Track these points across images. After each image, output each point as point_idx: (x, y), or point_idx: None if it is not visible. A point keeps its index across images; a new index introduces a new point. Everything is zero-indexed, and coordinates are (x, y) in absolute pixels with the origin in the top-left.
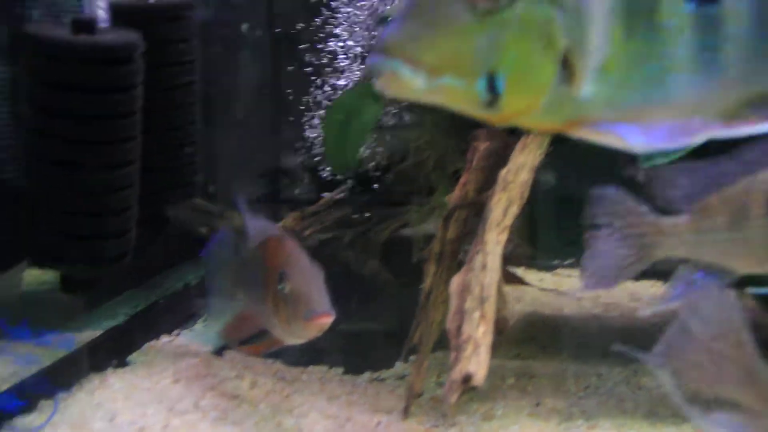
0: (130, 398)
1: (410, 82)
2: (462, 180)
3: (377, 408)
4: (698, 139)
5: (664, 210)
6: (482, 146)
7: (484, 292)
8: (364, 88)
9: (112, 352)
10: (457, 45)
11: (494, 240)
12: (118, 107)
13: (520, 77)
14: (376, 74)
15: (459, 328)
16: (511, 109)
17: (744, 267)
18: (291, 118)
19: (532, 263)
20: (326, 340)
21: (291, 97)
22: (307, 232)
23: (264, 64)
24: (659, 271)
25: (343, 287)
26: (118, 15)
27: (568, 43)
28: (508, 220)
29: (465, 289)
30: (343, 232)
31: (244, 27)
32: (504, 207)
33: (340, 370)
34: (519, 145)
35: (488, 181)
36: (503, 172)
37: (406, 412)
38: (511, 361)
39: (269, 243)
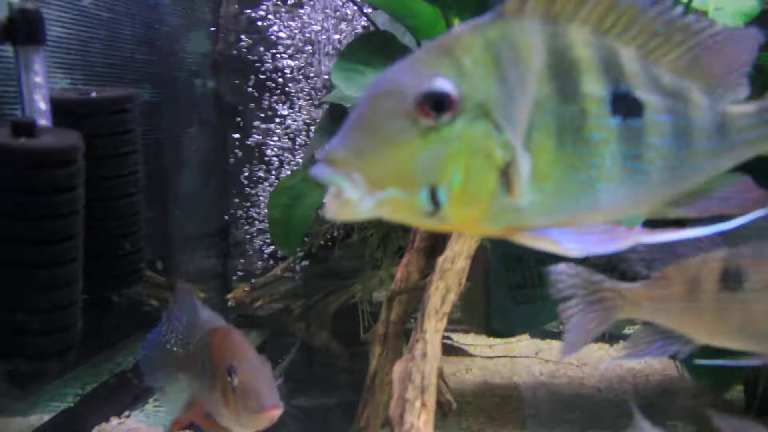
0: None
1: (353, 201)
2: (404, 261)
3: None
4: (624, 245)
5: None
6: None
7: (424, 380)
8: (305, 172)
9: None
10: (399, 159)
11: (433, 328)
12: (60, 208)
13: (463, 190)
14: (320, 184)
15: (401, 416)
16: (455, 220)
17: (696, 337)
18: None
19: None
20: (282, 419)
21: (238, 174)
22: (257, 304)
23: (211, 142)
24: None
25: (295, 359)
26: (59, 110)
27: (506, 156)
28: (446, 308)
29: (406, 378)
30: (293, 303)
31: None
32: (442, 295)
33: None
34: (455, 234)
35: (429, 263)
36: (440, 260)
37: None
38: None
39: (216, 335)
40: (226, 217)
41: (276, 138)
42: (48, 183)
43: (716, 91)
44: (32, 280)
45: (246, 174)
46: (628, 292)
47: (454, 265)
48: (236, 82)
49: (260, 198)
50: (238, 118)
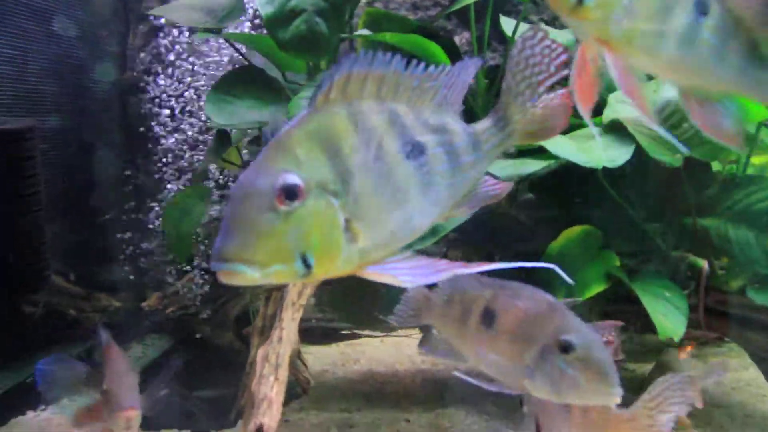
0: None
1: (248, 276)
2: None
3: None
4: (445, 275)
5: None
6: None
7: (278, 359)
8: (193, 190)
9: None
10: (273, 242)
11: (289, 317)
12: None
13: (323, 251)
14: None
15: (258, 389)
16: (321, 274)
17: (466, 356)
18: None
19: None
20: (182, 406)
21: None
22: (168, 310)
23: (120, 162)
24: None
25: (203, 358)
26: None
27: (346, 215)
28: (303, 300)
29: (264, 358)
30: (201, 309)
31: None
32: (298, 290)
33: (188, 431)
34: None
35: None
36: None
37: (235, 421)
38: (338, 414)
39: (104, 350)
40: (138, 232)
41: (180, 154)
42: None
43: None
44: None
45: (154, 189)
46: (432, 302)
47: None
48: (142, 105)
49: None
50: (145, 139)
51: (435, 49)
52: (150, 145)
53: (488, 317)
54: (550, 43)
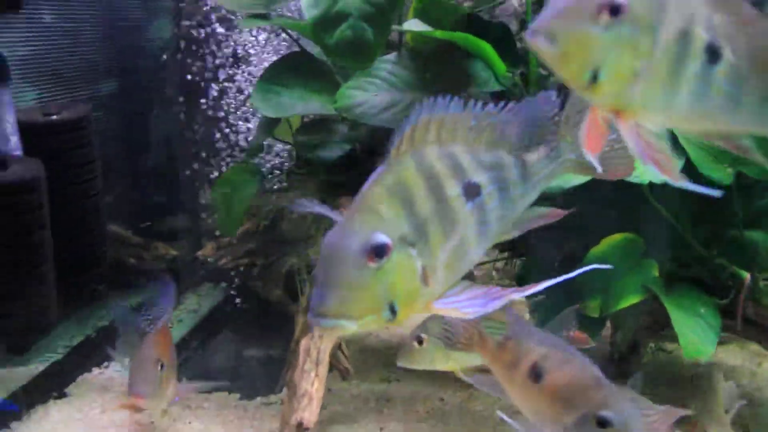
0: (68, 427)
1: (346, 329)
2: None
3: (262, 430)
4: (502, 303)
5: None
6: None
7: (320, 355)
8: (244, 166)
9: (53, 385)
10: (365, 297)
11: None
12: (30, 226)
13: (406, 298)
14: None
15: (300, 383)
16: (403, 317)
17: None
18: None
19: None
20: (233, 365)
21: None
22: (222, 261)
23: (178, 119)
24: None
25: (255, 312)
26: (26, 131)
27: (422, 262)
28: None
29: (306, 351)
30: (253, 261)
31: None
32: None
33: (237, 395)
34: None
35: None
36: None
37: None
38: (377, 385)
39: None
40: (196, 183)
41: (236, 112)
42: (19, 206)
43: (521, 148)
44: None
45: (212, 143)
46: (486, 342)
47: None
48: (199, 63)
49: (226, 163)
50: (202, 97)
51: (485, 46)
52: (207, 99)
53: (537, 373)
54: None
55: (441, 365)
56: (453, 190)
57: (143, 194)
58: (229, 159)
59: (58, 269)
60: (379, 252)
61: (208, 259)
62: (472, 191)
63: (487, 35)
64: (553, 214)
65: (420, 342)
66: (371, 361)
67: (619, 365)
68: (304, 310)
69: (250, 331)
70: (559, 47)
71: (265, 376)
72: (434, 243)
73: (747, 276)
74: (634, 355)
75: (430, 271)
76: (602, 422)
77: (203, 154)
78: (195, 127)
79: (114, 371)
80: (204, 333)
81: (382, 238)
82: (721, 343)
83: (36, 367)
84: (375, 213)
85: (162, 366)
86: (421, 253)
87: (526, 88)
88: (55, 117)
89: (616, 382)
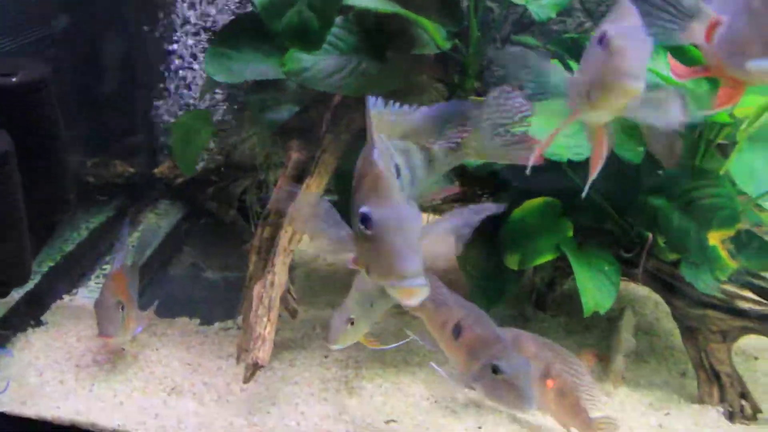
0: (49, 356)
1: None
2: (278, 184)
3: (221, 355)
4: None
5: None
6: (294, 155)
7: (271, 302)
8: (197, 112)
9: (29, 313)
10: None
11: (281, 262)
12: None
13: None
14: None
15: (254, 326)
16: None
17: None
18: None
19: None
20: (192, 290)
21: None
22: (178, 180)
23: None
24: None
25: (206, 233)
26: None
27: None
28: (293, 246)
29: (259, 298)
30: (207, 182)
31: None
32: (289, 237)
33: (197, 321)
34: (303, 186)
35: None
36: (290, 208)
37: (238, 360)
38: (324, 311)
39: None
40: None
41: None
42: None
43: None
44: None
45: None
46: (425, 307)
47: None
48: None
49: (186, 81)
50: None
51: (423, 22)
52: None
53: (457, 331)
54: (519, 101)
55: (364, 337)
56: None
57: (101, 117)
58: (181, 82)
59: (30, 225)
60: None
61: (164, 178)
62: (396, 169)
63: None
64: (449, 189)
65: (352, 323)
66: (317, 287)
67: (536, 301)
68: (256, 248)
69: (207, 250)
70: None
71: (223, 301)
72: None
73: (650, 235)
74: (550, 292)
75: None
76: (495, 370)
77: (155, 77)
78: (147, 50)
79: (83, 297)
80: (165, 254)
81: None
82: None
83: (12, 296)
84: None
85: (122, 307)
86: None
87: (467, 49)
88: (14, 79)
89: (537, 314)
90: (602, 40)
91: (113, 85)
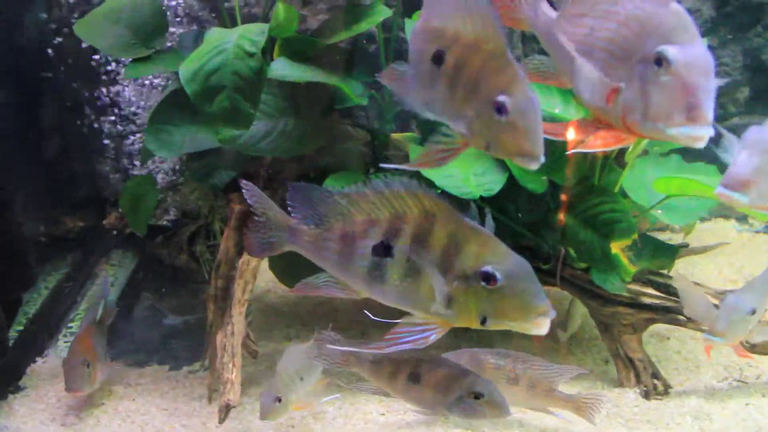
0: (35, 418)
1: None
2: (224, 236)
3: (193, 397)
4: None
5: None
6: (236, 208)
7: (234, 349)
8: (143, 178)
9: (7, 381)
10: None
11: (238, 312)
12: None
13: None
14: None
15: (222, 374)
16: None
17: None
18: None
19: None
20: (156, 336)
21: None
22: (127, 230)
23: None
24: None
25: (161, 279)
26: None
27: None
28: (246, 296)
29: (222, 348)
30: (157, 229)
31: None
32: (242, 288)
33: (166, 367)
34: None
35: (242, 239)
36: (240, 263)
37: (209, 400)
38: (281, 345)
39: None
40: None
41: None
42: None
43: None
44: None
45: (110, 116)
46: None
47: (249, 265)
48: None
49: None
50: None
51: (338, 84)
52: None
53: (415, 377)
54: None
55: (295, 408)
56: None
57: (43, 179)
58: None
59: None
60: None
61: (114, 228)
62: None
63: (350, 58)
64: None
65: (279, 401)
66: (272, 321)
67: None
68: (212, 297)
69: (165, 295)
70: None
71: (186, 344)
72: None
73: (562, 249)
74: None
75: None
76: (477, 396)
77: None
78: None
79: (55, 358)
80: (126, 302)
81: None
82: None
83: None
84: None
85: (88, 364)
86: None
87: (383, 98)
88: None
89: None
90: (660, 62)
91: (54, 143)
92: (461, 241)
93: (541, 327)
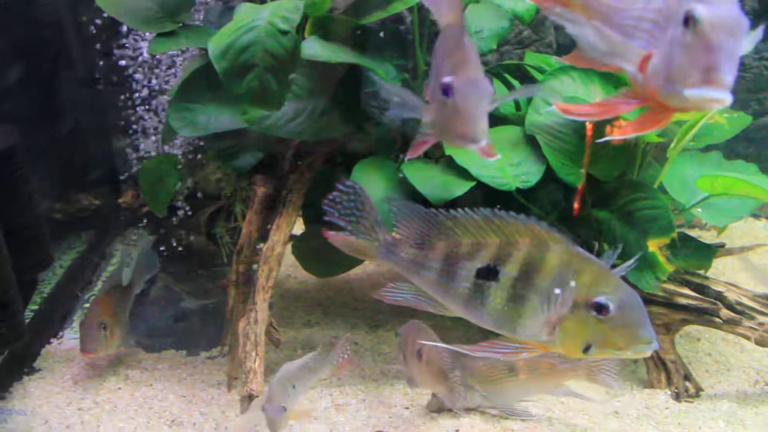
0: (50, 402)
1: None
2: (246, 220)
3: (212, 383)
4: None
5: None
6: (260, 191)
7: (257, 338)
8: (163, 157)
9: (22, 362)
10: None
11: (262, 299)
12: None
13: None
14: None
15: (244, 362)
16: None
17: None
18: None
19: None
20: (173, 320)
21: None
22: (144, 209)
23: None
24: None
25: (180, 261)
26: None
27: None
28: (270, 282)
29: (245, 336)
30: (174, 209)
31: None
32: (266, 275)
33: (184, 352)
34: (274, 226)
35: (265, 223)
36: (265, 248)
37: (229, 388)
38: (302, 331)
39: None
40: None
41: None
42: None
43: None
44: None
45: (129, 96)
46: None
47: (274, 251)
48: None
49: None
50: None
51: (372, 67)
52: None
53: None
54: None
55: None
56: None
57: (63, 155)
58: (140, 109)
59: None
60: None
61: (129, 207)
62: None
63: (381, 39)
64: None
65: (285, 409)
66: (292, 307)
67: None
68: (233, 283)
69: (181, 278)
70: None
71: (204, 330)
72: None
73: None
74: None
75: None
76: None
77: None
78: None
79: (69, 339)
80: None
81: None
82: None
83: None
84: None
85: (105, 326)
86: None
87: (414, 82)
88: None
89: None
90: (687, 21)
91: (71, 119)
92: (574, 270)
93: (644, 355)
